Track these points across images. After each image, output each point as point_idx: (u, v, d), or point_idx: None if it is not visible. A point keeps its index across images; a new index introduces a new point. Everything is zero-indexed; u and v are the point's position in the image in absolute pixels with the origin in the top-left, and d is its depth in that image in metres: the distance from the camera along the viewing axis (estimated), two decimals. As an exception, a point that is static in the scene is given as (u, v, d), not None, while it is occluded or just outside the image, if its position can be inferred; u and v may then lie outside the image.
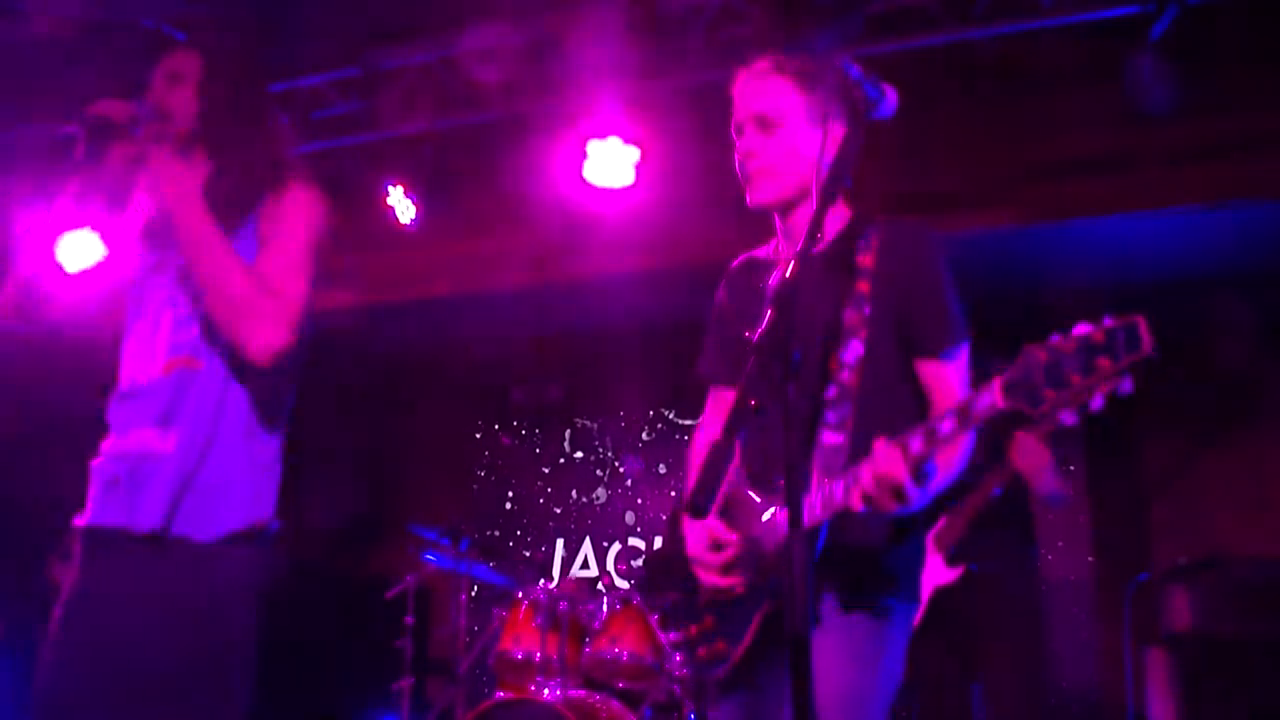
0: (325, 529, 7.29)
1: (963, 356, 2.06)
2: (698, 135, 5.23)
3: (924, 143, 4.81)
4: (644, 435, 7.84)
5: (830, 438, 2.00)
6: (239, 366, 2.12)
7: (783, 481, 1.98)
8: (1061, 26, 4.40)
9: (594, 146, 5.02)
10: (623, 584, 7.42)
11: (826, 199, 1.88)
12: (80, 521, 2.13)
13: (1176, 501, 6.28)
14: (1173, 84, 4.16)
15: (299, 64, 5.22)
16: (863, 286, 2.07)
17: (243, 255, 2.16)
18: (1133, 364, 1.48)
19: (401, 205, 5.47)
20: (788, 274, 1.75)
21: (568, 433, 8.04)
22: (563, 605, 4.35)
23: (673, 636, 2.23)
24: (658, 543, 7.41)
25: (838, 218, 2.22)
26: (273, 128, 2.36)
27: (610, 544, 7.67)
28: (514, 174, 5.52)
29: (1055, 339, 1.55)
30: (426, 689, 6.42)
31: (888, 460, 1.77)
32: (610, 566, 7.57)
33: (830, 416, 2.01)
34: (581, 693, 4.16)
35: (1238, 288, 5.00)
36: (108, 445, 2.16)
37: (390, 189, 5.44)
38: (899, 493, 1.77)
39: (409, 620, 5.22)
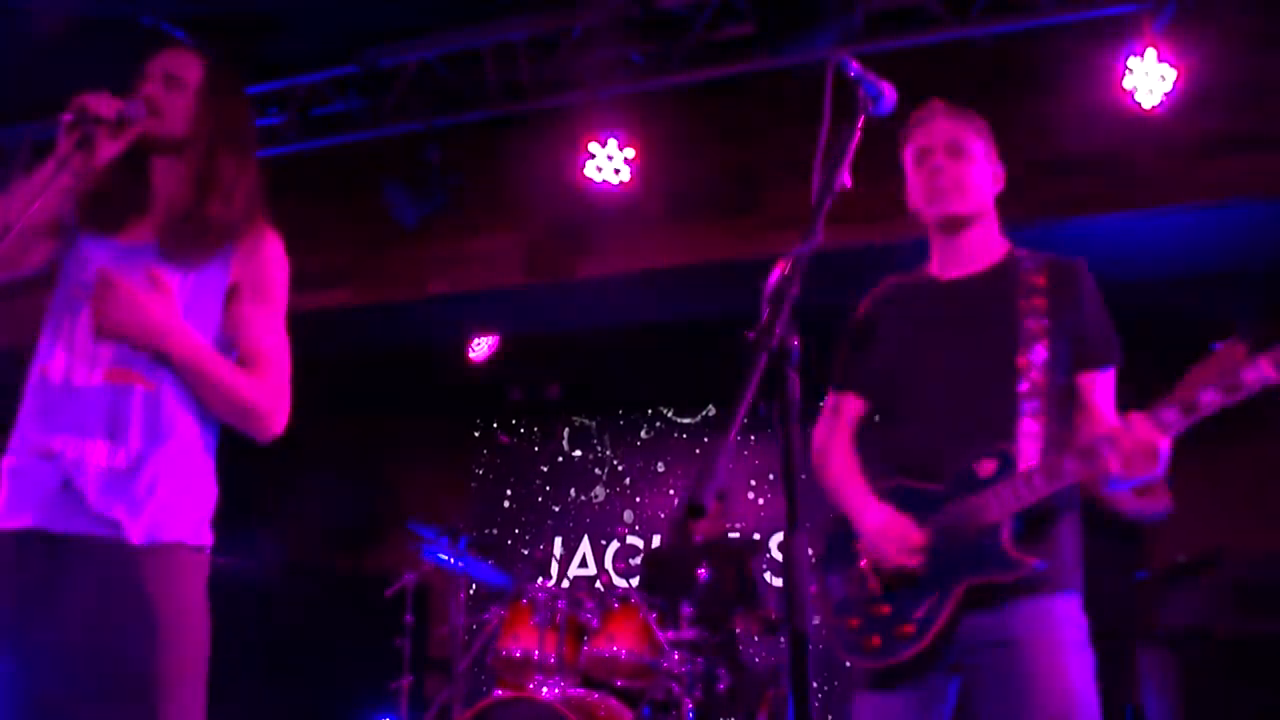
0: (324, 528, 7.30)
1: (1114, 374, 2.34)
2: (697, 135, 5.23)
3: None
4: (642, 434, 7.84)
5: (1030, 425, 2.21)
6: (185, 390, 2.12)
7: (981, 472, 2.17)
8: (1061, 25, 4.40)
9: (593, 146, 5.02)
10: (621, 582, 7.42)
11: (824, 195, 1.88)
12: (16, 523, 2.05)
13: (1175, 499, 6.28)
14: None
15: (298, 61, 5.21)
16: (1038, 302, 2.31)
17: (205, 289, 2.14)
18: None
19: (400, 204, 5.45)
20: (785, 271, 1.75)
21: (566, 431, 8.04)
22: (561, 604, 4.35)
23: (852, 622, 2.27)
24: (656, 541, 7.42)
25: (995, 246, 2.45)
26: (255, 158, 2.33)
27: (608, 542, 7.67)
28: (513, 173, 5.52)
29: None
30: (425, 687, 6.42)
31: (1146, 427, 2.02)
32: (608, 564, 7.57)
33: (1027, 407, 2.22)
34: (580, 691, 4.16)
35: (1238, 286, 5.00)
36: (38, 441, 2.07)
37: (389, 187, 5.42)
38: (1156, 456, 2.02)
39: (408, 619, 5.22)
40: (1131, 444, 2.02)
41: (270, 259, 2.22)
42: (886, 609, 2.22)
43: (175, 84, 2.20)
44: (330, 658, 6.41)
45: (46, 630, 1.98)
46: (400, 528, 5.09)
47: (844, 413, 2.53)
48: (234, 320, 2.17)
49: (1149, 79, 4.29)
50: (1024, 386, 2.23)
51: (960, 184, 2.38)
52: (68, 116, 2.09)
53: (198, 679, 2.07)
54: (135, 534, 2.03)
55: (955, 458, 2.20)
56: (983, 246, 2.41)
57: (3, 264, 2.16)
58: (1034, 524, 2.16)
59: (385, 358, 7.18)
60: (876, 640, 2.21)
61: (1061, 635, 2.12)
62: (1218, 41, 4.35)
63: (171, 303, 2.09)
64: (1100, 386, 2.31)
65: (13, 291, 2.24)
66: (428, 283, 5.94)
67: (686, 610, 4.42)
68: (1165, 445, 2.02)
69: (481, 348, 7.08)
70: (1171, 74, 4.25)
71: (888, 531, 2.23)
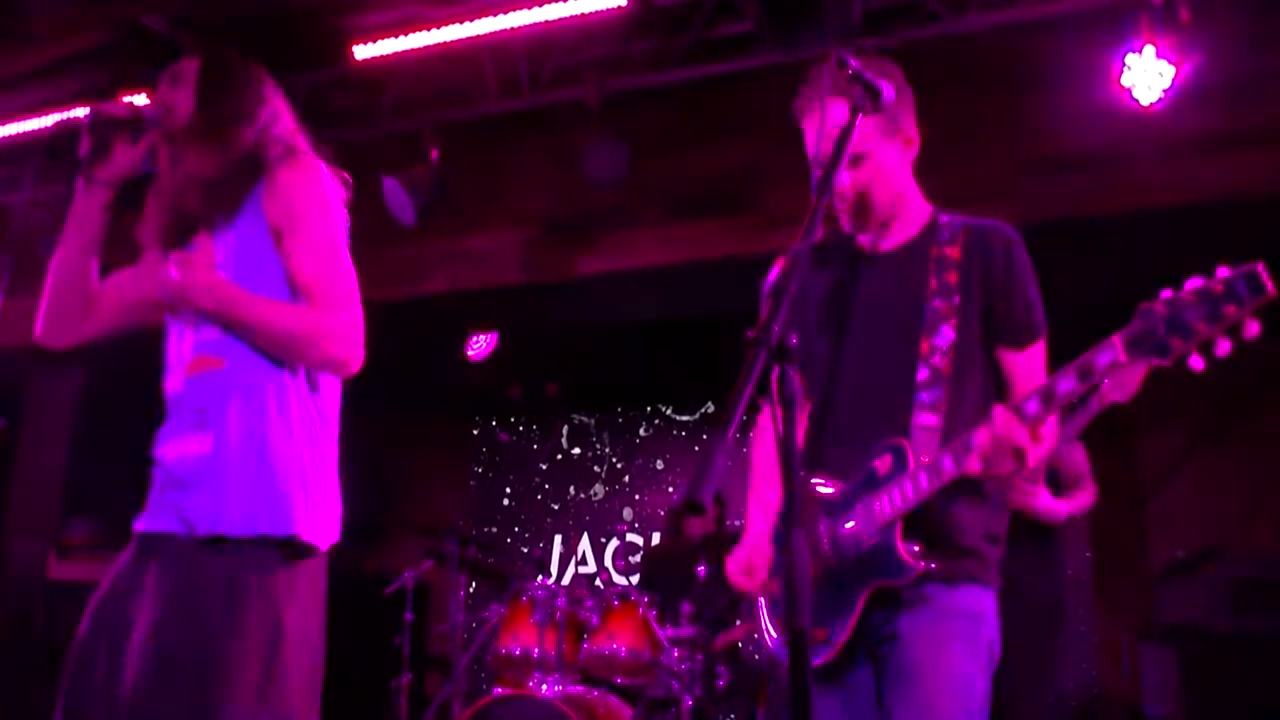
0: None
1: (1042, 348, 2.14)
2: (696, 133, 5.23)
3: (920, 138, 4.80)
4: (641, 432, 7.84)
5: (925, 418, 2.06)
6: (260, 362, 2.08)
7: (880, 468, 2.06)
8: (1058, 21, 4.40)
9: (594, 144, 5.01)
10: (621, 580, 7.43)
11: (823, 193, 1.89)
12: (138, 526, 2.10)
13: (1174, 497, 6.29)
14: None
15: (297, 60, 5.21)
16: (951, 277, 2.14)
17: (244, 241, 2.12)
18: (1257, 307, 1.58)
19: (399, 202, 5.44)
20: (784, 267, 1.76)
21: (565, 429, 8.04)
22: (561, 601, 4.35)
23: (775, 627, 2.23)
24: (655, 539, 7.42)
25: (918, 214, 2.27)
26: (270, 115, 2.34)
27: (608, 540, 7.67)
28: (512, 171, 5.52)
29: (1168, 294, 1.66)
30: (425, 685, 6.43)
31: (1007, 423, 1.85)
32: (608, 562, 7.57)
33: (924, 397, 2.08)
34: (579, 688, 4.17)
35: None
36: (155, 452, 2.13)
37: (388, 186, 5.41)
38: (1019, 454, 1.86)
39: (408, 617, 5.22)
40: (989, 439, 1.87)
41: (296, 191, 2.16)
42: (761, 563, 2.19)
43: (179, 80, 2.24)
44: (329, 656, 6.41)
45: (133, 628, 1.98)
46: (400, 526, 5.09)
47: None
48: (284, 261, 2.12)
49: (1147, 75, 4.28)
50: (923, 375, 2.09)
51: (866, 198, 2.20)
52: (85, 121, 2.12)
53: (264, 681, 1.98)
54: (201, 525, 2.00)
55: (860, 454, 2.09)
56: (902, 219, 2.24)
57: (72, 321, 2.22)
58: (931, 522, 2.03)
59: (384, 356, 7.17)
60: (746, 584, 2.20)
61: (948, 628, 2.02)
62: (1216, 38, 4.35)
63: (200, 261, 2.07)
64: (1022, 365, 2.12)
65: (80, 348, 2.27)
66: (426, 280, 5.94)
67: (686, 607, 4.42)
68: (1025, 438, 1.85)
69: (480, 346, 7.08)
70: (1170, 70, 4.24)
71: (737, 554, 2.21)
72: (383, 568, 6.71)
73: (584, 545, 7.73)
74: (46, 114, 5.29)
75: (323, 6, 4.89)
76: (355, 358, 2.11)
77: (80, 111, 2.22)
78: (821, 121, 2.13)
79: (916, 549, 2.00)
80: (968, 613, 2.05)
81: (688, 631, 4.34)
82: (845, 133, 1.96)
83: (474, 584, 6.49)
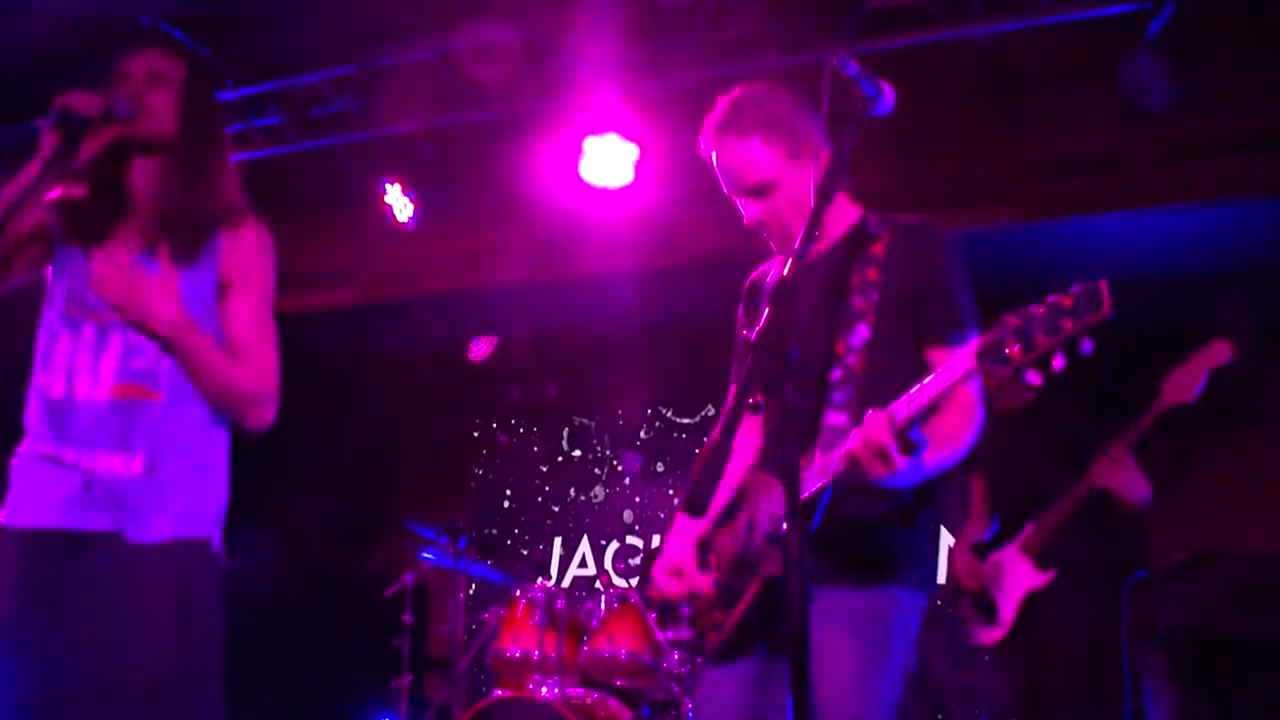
0: (323, 527, 7.29)
1: (972, 346, 2.10)
2: (697, 134, 5.23)
3: (921, 141, 4.81)
4: (642, 433, 7.84)
5: (834, 418, 2.04)
6: (193, 396, 2.15)
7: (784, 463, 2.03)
8: (1059, 24, 4.40)
9: (591, 144, 5.01)
10: (621, 582, 7.42)
11: (824, 199, 1.89)
12: (31, 522, 2.07)
13: (1173, 498, 6.28)
14: (1169, 80, 4.16)
15: (296, 61, 5.21)
16: (872, 274, 2.12)
17: (199, 286, 2.16)
18: (1091, 325, 1.58)
19: (399, 204, 5.47)
20: (785, 272, 1.77)
21: (565, 431, 8.04)
22: (561, 603, 4.35)
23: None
24: (656, 541, 7.41)
25: (846, 215, 2.27)
26: (230, 155, 2.35)
27: (608, 542, 7.67)
28: (511, 172, 5.52)
29: (1032, 306, 1.65)
30: (425, 687, 6.42)
31: (874, 424, 1.82)
32: (608, 565, 7.57)
33: (835, 397, 2.06)
34: (579, 691, 4.16)
35: (1236, 285, 5.00)
36: (47, 450, 2.10)
37: (388, 187, 5.44)
38: (885, 457, 1.81)
39: (407, 618, 5.22)
40: (857, 443, 1.84)
41: (253, 249, 2.24)
42: (710, 598, 2.22)
43: (158, 81, 2.19)
44: (329, 657, 6.40)
45: (57, 628, 1.98)
46: (400, 528, 5.09)
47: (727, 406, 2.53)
48: (223, 314, 2.19)
49: (1144, 79, 4.28)
50: (836, 375, 2.07)
51: (784, 224, 2.20)
52: (51, 116, 2.09)
53: (213, 678, 2.08)
54: (149, 532, 2.04)
55: (783, 454, 2.07)
56: (830, 220, 2.20)
57: None
58: (834, 519, 1.98)
59: (384, 357, 7.18)
60: (696, 625, 2.24)
61: (847, 628, 2.01)
62: (1217, 41, 4.35)
63: (170, 287, 2.11)
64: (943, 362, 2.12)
65: None
66: (427, 282, 5.95)
67: (686, 610, 4.41)
68: (891, 443, 1.80)
69: (480, 347, 7.08)
70: (1169, 74, 4.24)
71: (661, 559, 2.26)
72: (382, 569, 6.70)
73: (584, 547, 7.72)
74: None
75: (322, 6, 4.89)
76: (267, 419, 2.23)
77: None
78: (722, 156, 2.19)
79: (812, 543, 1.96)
80: (869, 614, 2.03)
81: (688, 634, 4.34)
82: (849, 135, 1.95)
83: (474, 586, 6.49)
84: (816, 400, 2.07)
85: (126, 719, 1.97)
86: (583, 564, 7.71)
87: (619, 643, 4.26)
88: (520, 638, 4.34)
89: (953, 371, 1.76)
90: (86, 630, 1.98)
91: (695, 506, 1.59)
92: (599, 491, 7.83)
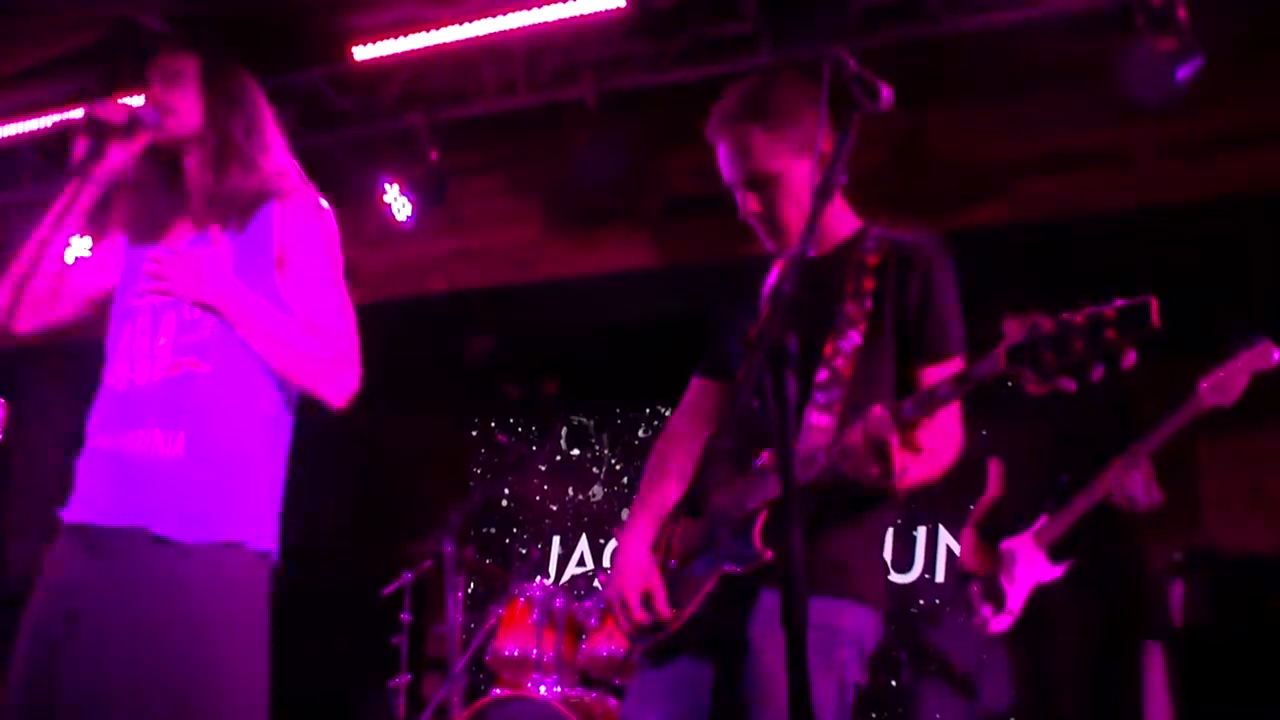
0: (322, 526, 7.28)
1: (958, 366, 2.11)
2: (694, 133, 5.22)
3: (920, 138, 4.80)
4: (640, 433, 7.83)
5: (817, 418, 2.05)
6: (244, 371, 2.11)
7: (759, 461, 2.04)
8: (1057, 20, 4.40)
9: (590, 145, 5.02)
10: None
11: (822, 197, 1.88)
12: (71, 516, 2.08)
13: (1171, 497, 6.27)
14: (1168, 75, 4.16)
15: (294, 59, 5.21)
16: (868, 283, 2.13)
17: (253, 253, 2.15)
18: (1137, 339, 1.57)
19: (398, 203, 5.46)
20: (783, 272, 1.77)
21: (564, 430, 8.03)
22: (559, 602, 4.35)
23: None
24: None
25: (846, 223, 2.28)
26: (274, 129, 2.35)
27: (606, 541, 7.66)
28: (511, 170, 5.52)
29: (1065, 315, 1.65)
30: (423, 686, 6.42)
31: (880, 418, 1.83)
32: (606, 563, 7.56)
33: (819, 398, 2.06)
34: (578, 690, 4.16)
35: (1235, 285, 4.99)
36: (101, 442, 2.10)
37: (387, 186, 5.44)
38: (883, 453, 1.82)
39: (405, 617, 5.21)
40: (861, 436, 1.84)
41: (306, 217, 2.22)
42: (659, 590, 2.18)
43: (175, 79, 2.22)
44: (328, 656, 6.40)
45: (83, 627, 1.96)
46: (398, 527, 5.09)
47: (685, 399, 2.57)
48: (286, 284, 2.17)
49: (1145, 74, 4.28)
50: (822, 376, 2.07)
51: (778, 220, 2.21)
52: (79, 123, 2.12)
53: (248, 690, 2.04)
54: (185, 531, 2.00)
55: (783, 454, 2.08)
56: (830, 226, 2.24)
57: (37, 307, 2.20)
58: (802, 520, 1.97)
59: (383, 357, 7.17)
60: (645, 618, 2.18)
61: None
62: (1218, 37, 4.34)
63: (219, 258, 2.10)
64: (931, 380, 2.08)
65: (50, 336, 2.26)
66: (426, 280, 5.94)
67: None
68: (895, 440, 1.82)
69: (479, 346, 7.08)
70: (1169, 69, 4.23)
71: (627, 580, 2.20)
72: (381, 568, 6.69)
73: (582, 546, 7.72)
74: (43, 115, 5.29)
75: (322, 6, 4.89)
76: (349, 388, 2.16)
77: (76, 113, 2.22)
78: (730, 146, 2.18)
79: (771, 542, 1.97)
80: (822, 624, 1.99)
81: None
82: (847, 133, 1.94)
83: (472, 585, 6.49)
84: (799, 399, 2.07)
85: None
86: (581, 562, 7.71)
87: (617, 641, 4.26)
88: (518, 637, 4.34)
89: (976, 372, 1.79)
90: (100, 640, 1.95)
91: (696, 507, 1.58)
92: (597, 490, 7.83)
